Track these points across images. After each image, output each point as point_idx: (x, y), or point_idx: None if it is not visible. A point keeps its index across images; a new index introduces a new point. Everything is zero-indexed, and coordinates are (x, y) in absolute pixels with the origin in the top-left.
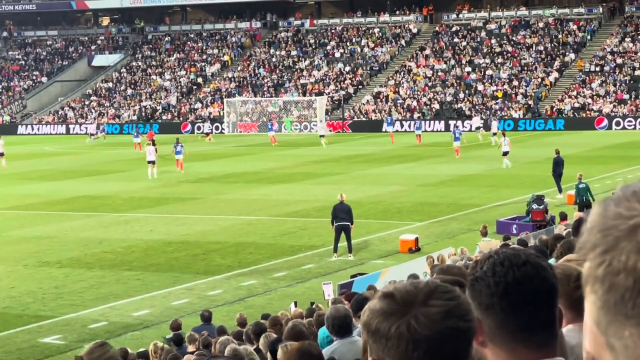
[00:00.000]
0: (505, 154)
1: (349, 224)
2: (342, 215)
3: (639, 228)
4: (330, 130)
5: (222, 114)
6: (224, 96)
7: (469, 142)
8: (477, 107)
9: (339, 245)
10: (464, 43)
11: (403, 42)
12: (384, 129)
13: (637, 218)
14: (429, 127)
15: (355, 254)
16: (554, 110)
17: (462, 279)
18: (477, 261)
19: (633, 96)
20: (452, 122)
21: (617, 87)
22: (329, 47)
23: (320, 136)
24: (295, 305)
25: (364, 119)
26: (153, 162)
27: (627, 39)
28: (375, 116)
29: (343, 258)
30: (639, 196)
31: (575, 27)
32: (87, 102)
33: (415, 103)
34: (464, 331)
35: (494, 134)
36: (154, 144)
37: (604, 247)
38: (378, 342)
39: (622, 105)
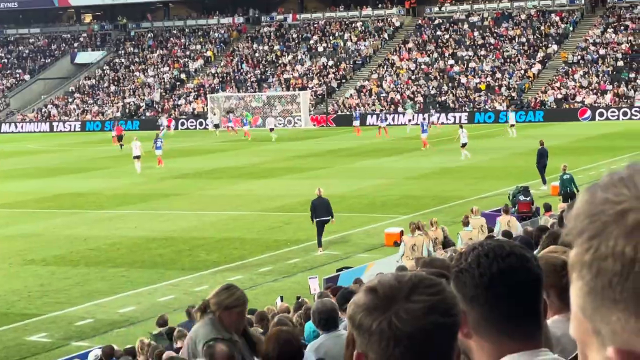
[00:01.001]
0: (463, 145)
1: (329, 218)
2: (321, 210)
3: (627, 213)
4: (315, 125)
5: (205, 109)
6: (207, 92)
7: (433, 137)
8: (460, 99)
9: (323, 240)
10: (447, 36)
11: (386, 35)
12: (369, 122)
13: (625, 203)
14: (413, 120)
15: (341, 248)
16: (537, 101)
17: (446, 272)
18: (461, 253)
19: (615, 87)
20: (435, 115)
21: (600, 78)
22: (311, 42)
23: (270, 129)
24: (282, 300)
25: (347, 113)
26: (138, 157)
27: (610, 30)
28: (359, 110)
29: (328, 252)
30: (626, 182)
31: (557, 18)
32: (70, 100)
33: (398, 96)
34: (446, 326)
35: (512, 125)
36: (120, 140)
37: (591, 232)
38: (362, 337)
39: (605, 96)
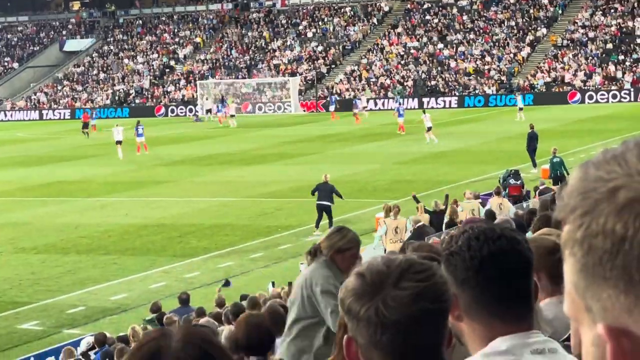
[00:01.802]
0: (428, 129)
1: (330, 204)
2: (323, 194)
3: (618, 191)
4: (304, 111)
5: (195, 96)
6: (197, 78)
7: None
8: (450, 84)
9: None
10: (436, 20)
11: (375, 20)
12: (353, 110)
13: (616, 181)
14: (402, 105)
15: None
16: (527, 85)
17: (437, 255)
18: (452, 236)
19: (604, 69)
20: (425, 100)
21: (589, 61)
22: (301, 27)
23: (231, 116)
24: (273, 286)
25: (337, 98)
26: (120, 142)
27: (598, 13)
28: (349, 95)
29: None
30: (619, 160)
31: (546, 1)
32: (59, 88)
33: (388, 81)
34: (436, 313)
35: (520, 109)
36: (86, 127)
37: (583, 209)
38: (351, 321)
39: (594, 78)
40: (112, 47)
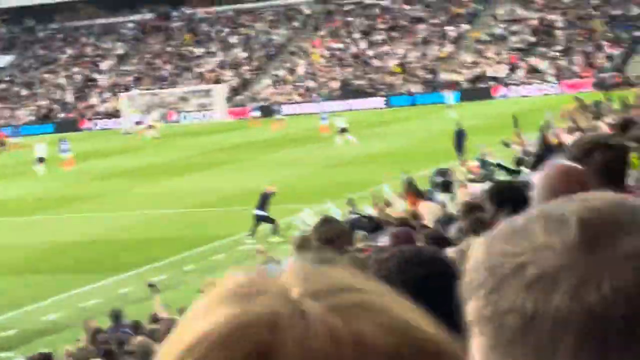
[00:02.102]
0: (343, 130)
1: (263, 213)
2: (259, 204)
3: (525, 266)
4: (231, 118)
5: (119, 108)
6: (121, 90)
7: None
8: (375, 84)
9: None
10: (359, 21)
11: (298, 24)
12: (285, 112)
13: (523, 256)
14: (328, 108)
15: (264, 240)
16: (451, 82)
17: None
18: (381, 259)
19: (527, 63)
20: (351, 101)
21: (512, 54)
22: (223, 34)
23: (149, 127)
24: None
25: (264, 104)
26: (42, 160)
27: (519, 6)
28: (275, 100)
29: (253, 246)
30: (523, 232)
31: None
32: None
33: (314, 84)
34: None
35: (450, 105)
36: (2, 145)
37: (490, 286)
38: None
39: (518, 72)
40: (32, 62)
